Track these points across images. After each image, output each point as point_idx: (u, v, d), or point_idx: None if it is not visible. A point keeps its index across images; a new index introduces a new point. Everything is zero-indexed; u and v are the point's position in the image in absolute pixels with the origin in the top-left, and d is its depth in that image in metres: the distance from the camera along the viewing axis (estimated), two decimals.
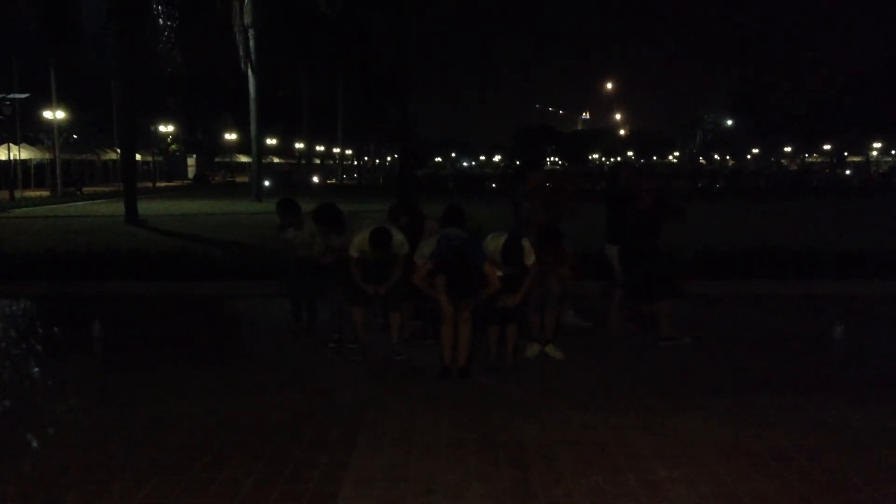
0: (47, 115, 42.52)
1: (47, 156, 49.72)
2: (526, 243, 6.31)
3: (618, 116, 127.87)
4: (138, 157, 50.79)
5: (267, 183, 43.76)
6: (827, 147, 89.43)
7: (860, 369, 6.49)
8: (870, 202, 28.62)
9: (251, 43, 34.41)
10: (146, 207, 25.24)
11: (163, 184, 58.86)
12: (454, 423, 5.07)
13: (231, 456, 4.49)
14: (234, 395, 5.72)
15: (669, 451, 4.54)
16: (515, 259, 6.18)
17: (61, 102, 41.77)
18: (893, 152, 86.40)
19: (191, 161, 78.33)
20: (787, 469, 4.28)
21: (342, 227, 7.16)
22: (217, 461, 4.41)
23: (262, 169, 39.25)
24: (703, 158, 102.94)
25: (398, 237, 6.59)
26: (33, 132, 50.52)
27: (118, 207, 23.71)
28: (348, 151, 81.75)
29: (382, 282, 6.57)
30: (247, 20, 34.28)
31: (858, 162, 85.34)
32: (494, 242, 6.29)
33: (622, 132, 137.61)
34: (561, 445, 4.65)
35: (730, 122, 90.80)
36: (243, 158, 78.50)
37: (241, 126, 59.91)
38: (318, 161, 75.56)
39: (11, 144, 41.10)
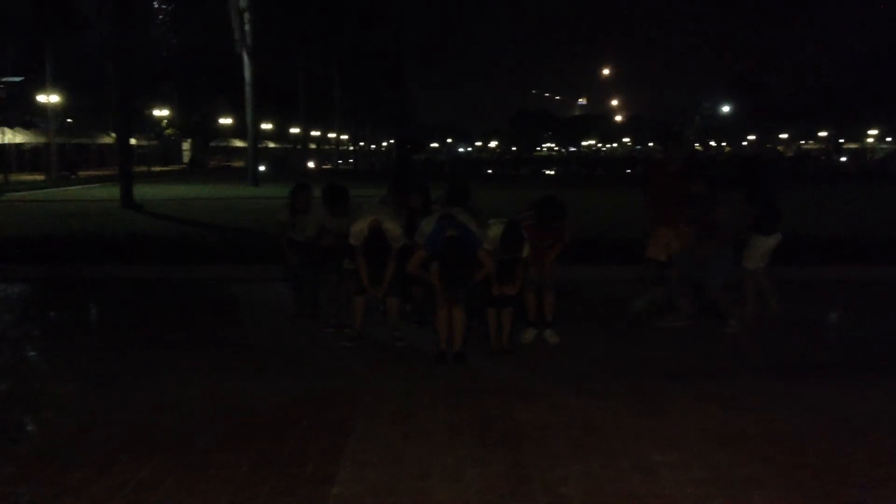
0: (42, 98, 42.31)
1: (42, 140, 49.49)
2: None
3: (615, 102, 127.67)
4: (134, 141, 50.65)
5: (262, 168, 43.71)
6: (823, 134, 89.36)
7: (857, 354, 6.53)
8: (866, 189, 28.60)
9: (247, 27, 34.25)
10: (142, 191, 25.16)
11: (158, 168, 58.55)
12: (450, 407, 5.10)
13: (229, 439, 4.51)
14: (232, 379, 5.74)
15: (664, 436, 4.57)
16: (514, 246, 6.20)
17: (56, 86, 41.55)
18: (889, 139, 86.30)
19: (186, 145, 77.98)
20: (783, 454, 4.31)
21: (345, 208, 7.10)
22: (215, 444, 4.43)
23: (258, 153, 39.15)
24: (700, 145, 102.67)
25: (396, 232, 6.50)
26: (28, 116, 50.24)
27: (114, 191, 23.65)
28: (344, 136, 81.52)
29: (380, 275, 6.56)
30: (242, 3, 34.10)
31: (855, 149, 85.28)
32: (495, 229, 6.29)
33: (619, 118, 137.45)
34: (556, 429, 4.68)
35: (727, 109, 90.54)
36: (239, 143, 78.11)
37: (236, 110, 59.54)
38: (313, 146, 75.38)
39: (6, 128, 40.89)
